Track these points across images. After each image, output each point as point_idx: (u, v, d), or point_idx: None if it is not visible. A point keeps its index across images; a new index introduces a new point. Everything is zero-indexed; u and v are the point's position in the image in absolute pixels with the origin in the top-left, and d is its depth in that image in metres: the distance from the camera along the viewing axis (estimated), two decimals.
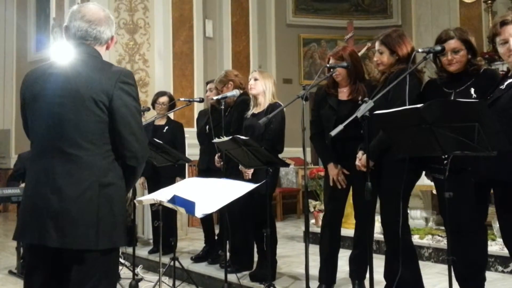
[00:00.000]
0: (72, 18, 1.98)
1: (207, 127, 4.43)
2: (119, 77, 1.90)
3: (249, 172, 3.68)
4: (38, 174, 1.90)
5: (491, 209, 2.77)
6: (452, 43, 2.67)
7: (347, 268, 3.39)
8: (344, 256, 3.46)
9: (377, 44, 2.97)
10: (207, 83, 4.73)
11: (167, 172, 4.44)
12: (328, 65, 3.17)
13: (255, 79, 3.78)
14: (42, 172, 1.88)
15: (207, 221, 4.58)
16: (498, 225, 4.06)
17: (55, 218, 1.82)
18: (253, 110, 3.84)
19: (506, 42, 2.40)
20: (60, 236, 1.81)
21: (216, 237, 4.63)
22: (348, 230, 4.25)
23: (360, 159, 2.90)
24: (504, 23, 2.42)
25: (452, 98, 2.64)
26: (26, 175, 1.99)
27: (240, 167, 3.66)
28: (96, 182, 1.85)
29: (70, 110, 1.86)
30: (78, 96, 1.86)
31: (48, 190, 1.84)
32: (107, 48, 2.05)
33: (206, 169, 4.40)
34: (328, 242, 3.30)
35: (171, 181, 3.98)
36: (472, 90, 2.61)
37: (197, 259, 4.49)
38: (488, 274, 2.76)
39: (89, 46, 1.97)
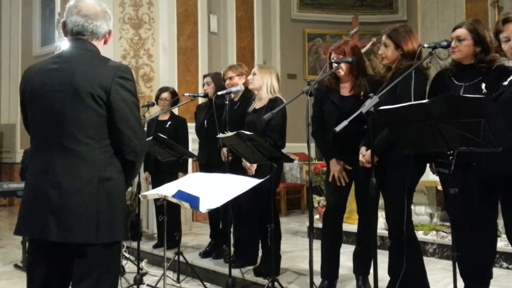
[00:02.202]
0: (68, 14, 1.99)
1: (205, 121, 4.43)
2: (116, 72, 1.91)
3: (253, 168, 3.67)
4: (38, 169, 1.92)
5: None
6: (458, 32, 2.72)
7: (350, 264, 3.39)
8: (348, 252, 3.46)
9: (383, 37, 2.97)
10: (204, 76, 4.71)
11: (170, 167, 4.45)
12: (333, 60, 3.16)
13: (253, 74, 3.79)
14: (42, 167, 1.90)
15: (214, 215, 4.57)
16: (503, 221, 4.06)
17: (55, 212, 1.84)
18: (255, 105, 3.83)
19: (509, 39, 2.41)
20: (61, 230, 1.83)
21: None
22: (352, 225, 4.25)
23: (364, 154, 2.90)
24: (506, 20, 2.43)
25: (462, 91, 2.64)
26: (27, 170, 2.01)
27: (244, 163, 3.66)
28: (96, 177, 1.87)
29: (69, 105, 1.88)
30: (76, 91, 1.87)
31: (48, 185, 1.86)
32: (105, 42, 2.06)
33: (206, 164, 4.40)
34: (330, 237, 3.30)
35: (174, 176, 3.99)
36: (483, 85, 2.60)
37: (205, 254, 4.48)
38: (493, 270, 2.75)
39: (86, 41, 1.99)
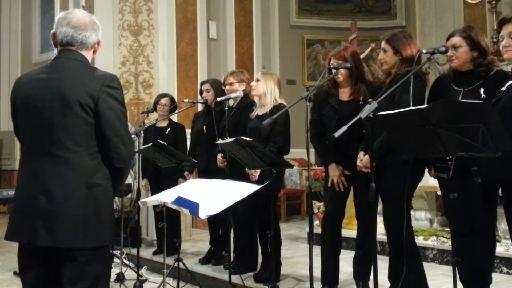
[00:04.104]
0: (58, 25, 2.05)
1: (204, 127, 4.44)
2: (104, 81, 1.98)
3: (256, 174, 3.66)
4: (28, 176, 1.98)
5: (499, 210, 2.76)
6: (453, 40, 2.74)
7: (351, 269, 3.39)
8: (347, 257, 3.45)
9: (382, 43, 2.99)
10: (202, 83, 4.71)
11: (170, 173, 4.45)
12: (332, 66, 3.17)
13: (257, 80, 3.80)
14: (32, 174, 1.96)
15: (214, 222, 4.56)
16: (503, 226, 4.06)
17: (44, 218, 1.90)
18: (257, 111, 3.84)
19: (503, 39, 2.47)
20: (49, 235, 1.89)
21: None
22: (352, 231, 4.24)
23: (362, 159, 2.90)
24: (503, 21, 2.50)
25: (461, 96, 2.66)
26: (18, 176, 2.06)
27: (247, 169, 3.66)
28: (84, 183, 1.93)
29: (58, 114, 1.93)
30: (65, 100, 1.93)
31: (38, 191, 1.92)
32: (94, 52, 2.12)
33: (204, 169, 4.40)
34: (329, 242, 3.30)
35: (174, 183, 3.99)
36: (482, 90, 2.62)
37: (204, 260, 4.47)
38: (493, 276, 2.74)
39: (75, 51, 2.05)
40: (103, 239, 1.98)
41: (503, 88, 2.46)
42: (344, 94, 3.26)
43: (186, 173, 4.59)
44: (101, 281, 2.01)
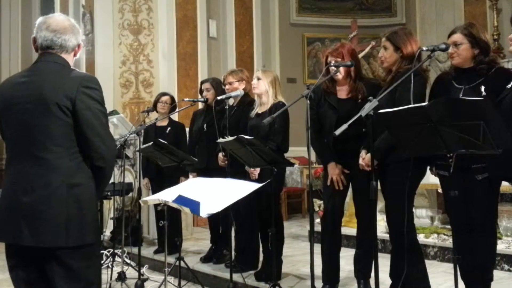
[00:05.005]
0: (38, 29, 2.10)
1: (205, 125, 4.44)
2: (81, 82, 2.02)
3: (256, 172, 3.67)
4: (12, 177, 2.03)
5: (499, 207, 2.76)
6: (454, 37, 2.73)
7: (351, 267, 3.39)
8: (349, 255, 3.46)
9: (383, 40, 2.98)
10: (202, 82, 4.70)
11: (171, 172, 4.45)
12: (332, 64, 3.16)
13: (258, 79, 3.78)
14: (16, 175, 2.01)
15: (214, 221, 4.57)
16: (504, 223, 4.06)
17: (27, 218, 1.94)
18: (257, 109, 3.83)
19: None
20: (33, 235, 1.93)
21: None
22: (352, 229, 4.24)
23: (364, 158, 2.90)
24: None
25: (462, 94, 2.65)
26: (4, 178, 2.09)
27: (247, 167, 3.66)
28: (64, 183, 1.97)
29: (38, 116, 1.98)
30: (44, 103, 1.97)
31: (21, 192, 1.97)
32: (75, 55, 2.17)
33: (205, 168, 4.39)
34: (329, 241, 3.29)
35: (175, 182, 3.99)
36: (483, 88, 2.61)
37: (206, 259, 4.48)
38: (494, 273, 2.74)
39: (55, 54, 2.09)
40: (87, 237, 2.01)
41: (509, 86, 2.46)
42: (342, 92, 3.25)
43: (193, 174, 4.56)
44: (90, 278, 2.03)
